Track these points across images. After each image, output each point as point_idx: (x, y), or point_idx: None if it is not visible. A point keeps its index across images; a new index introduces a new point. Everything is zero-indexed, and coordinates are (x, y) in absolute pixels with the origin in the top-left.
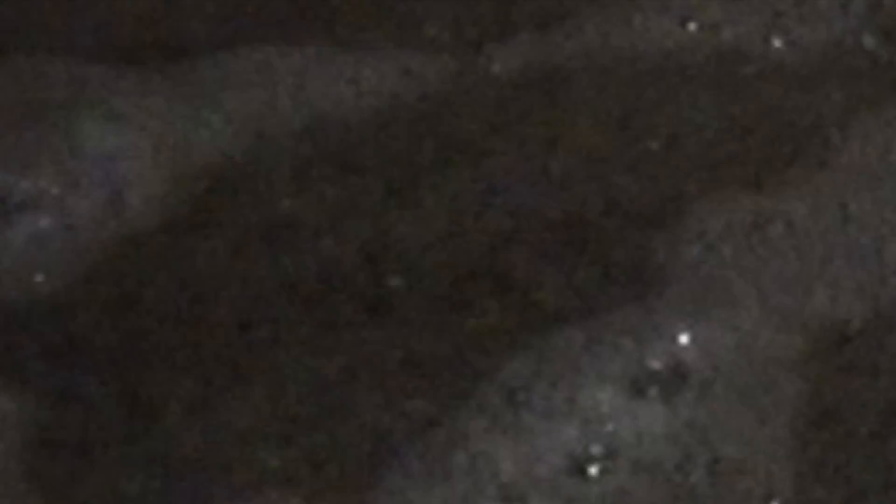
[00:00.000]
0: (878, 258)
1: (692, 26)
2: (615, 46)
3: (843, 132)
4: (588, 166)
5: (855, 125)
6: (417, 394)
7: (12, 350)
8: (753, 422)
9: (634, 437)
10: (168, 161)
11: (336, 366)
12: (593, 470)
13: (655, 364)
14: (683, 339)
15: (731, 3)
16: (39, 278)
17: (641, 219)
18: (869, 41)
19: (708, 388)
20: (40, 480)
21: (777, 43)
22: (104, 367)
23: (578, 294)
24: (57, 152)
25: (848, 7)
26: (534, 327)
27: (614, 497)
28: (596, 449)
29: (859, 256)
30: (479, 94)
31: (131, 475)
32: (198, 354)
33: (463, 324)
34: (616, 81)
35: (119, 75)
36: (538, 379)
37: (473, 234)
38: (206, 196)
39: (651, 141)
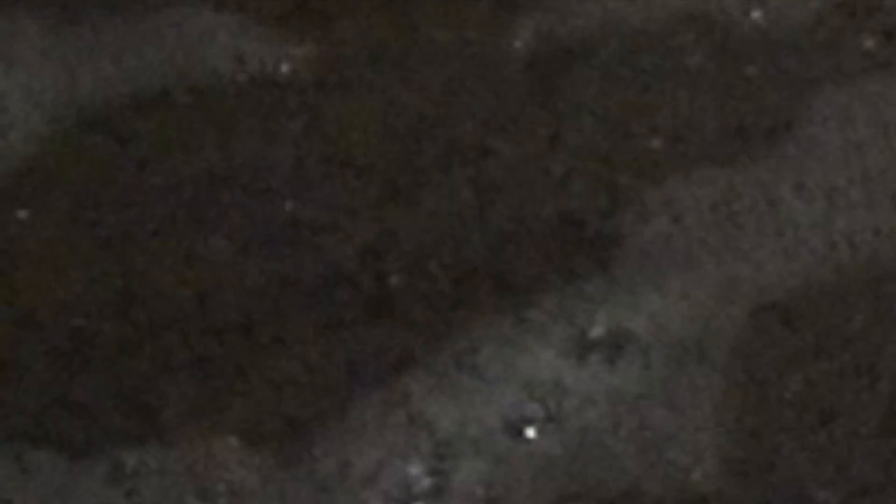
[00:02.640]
0: (828, 227)
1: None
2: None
3: (810, 112)
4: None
5: (819, 106)
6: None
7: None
8: (688, 391)
9: (570, 401)
10: (56, 104)
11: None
12: (530, 432)
13: (600, 331)
14: (635, 307)
15: None
16: None
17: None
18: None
19: (649, 355)
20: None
21: (756, 14)
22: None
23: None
24: None
25: None
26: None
27: (541, 458)
28: (532, 411)
29: (810, 226)
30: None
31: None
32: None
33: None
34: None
35: (24, 26)
36: (486, 342)
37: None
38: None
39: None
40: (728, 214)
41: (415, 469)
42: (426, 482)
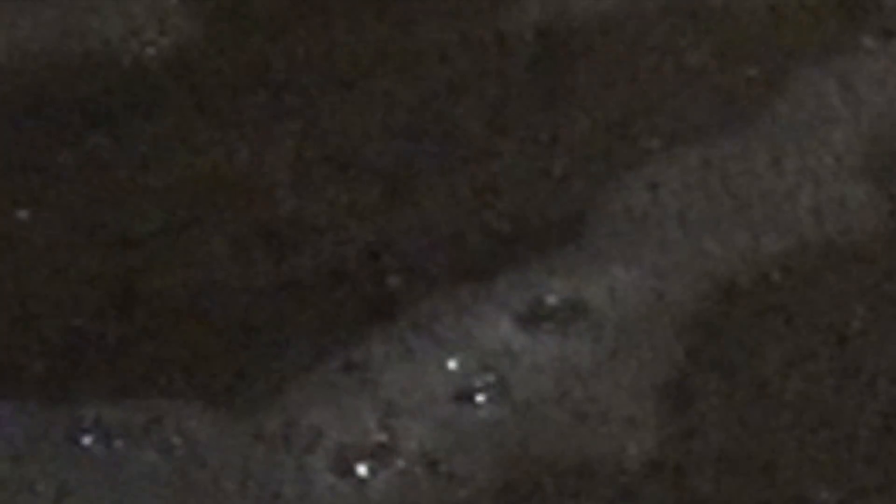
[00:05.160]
0: (793, 202)
1: None
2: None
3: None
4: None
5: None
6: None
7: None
8: (636, 367)
9: (519, 370)
10: None
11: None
12: (478, 399)
13: (556, 300)
14: (596, 279)
15: None
16: None
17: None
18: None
19: (601, 327)
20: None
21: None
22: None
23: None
24: None
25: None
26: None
27: (486, 426)
28: (481, 379)
29: (776, 202)
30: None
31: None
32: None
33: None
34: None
35: None
36: (446, 309)
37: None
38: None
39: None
40: (705, 189)
41: (360, 432)
42: (370, 446)
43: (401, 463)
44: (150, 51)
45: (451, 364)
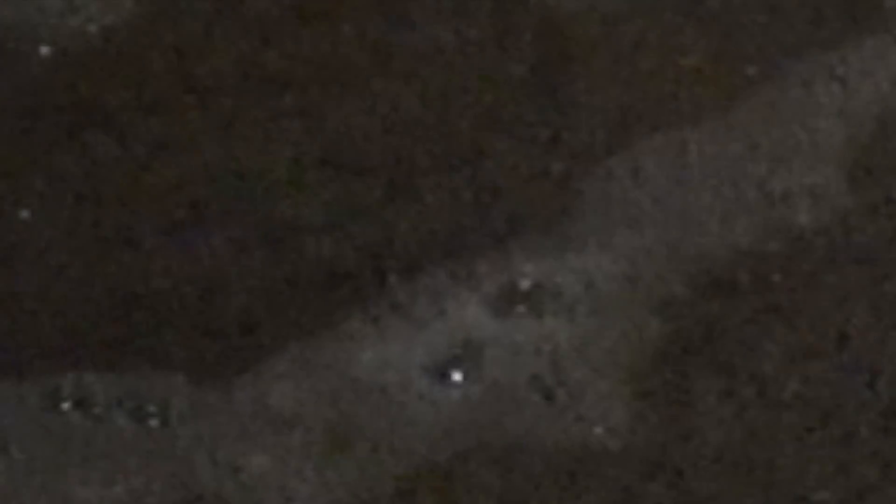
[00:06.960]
0: (764, 188)
1: None
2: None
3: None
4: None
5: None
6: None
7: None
8: (607, 350)
9: (493, 352)
10: None
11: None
12: (449, 381)
13: (531, 283)
14: (574, 263)
15: None
16: None
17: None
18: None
19: (574, 311)
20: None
21: None
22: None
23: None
24: None
25: None
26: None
27: (456, 408)
28: (454, 361)
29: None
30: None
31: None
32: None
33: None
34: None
35: None
36: (425, 292)
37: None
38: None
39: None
40: (684, 177)
41: (330, 413)
42: (340, 427)
43: (372, 442)
44: (92, 27)
45: (423, 345)
